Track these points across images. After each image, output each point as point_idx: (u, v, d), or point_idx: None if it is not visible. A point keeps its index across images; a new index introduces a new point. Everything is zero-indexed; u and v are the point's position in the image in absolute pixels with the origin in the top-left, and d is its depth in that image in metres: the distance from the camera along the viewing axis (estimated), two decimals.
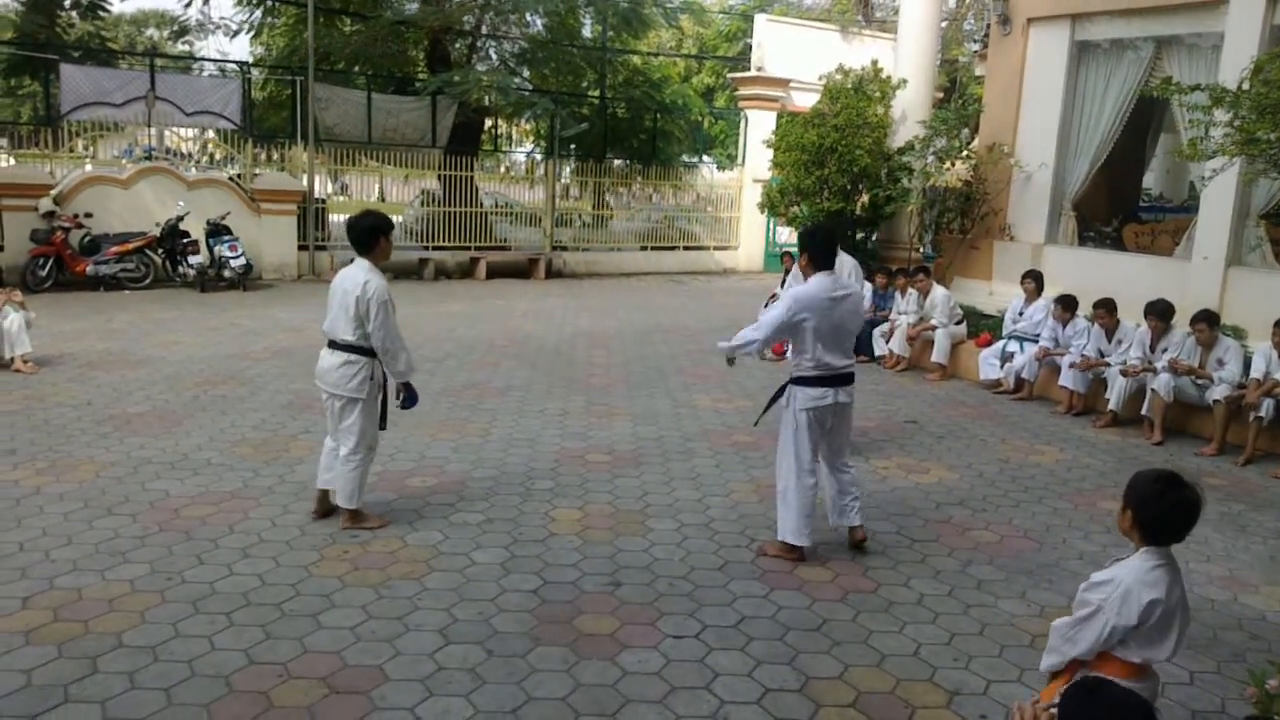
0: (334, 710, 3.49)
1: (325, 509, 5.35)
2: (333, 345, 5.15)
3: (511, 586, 4.59)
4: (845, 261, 6.77)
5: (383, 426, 5.34)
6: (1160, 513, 2.77)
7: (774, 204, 14.52)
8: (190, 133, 16.97)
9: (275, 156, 16.50)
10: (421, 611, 4.29)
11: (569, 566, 4.84)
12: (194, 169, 16.06)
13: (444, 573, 4.71)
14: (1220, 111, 6.04)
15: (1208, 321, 7.67)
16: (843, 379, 4.98)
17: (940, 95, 19.25)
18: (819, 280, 4.96)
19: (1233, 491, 6.56)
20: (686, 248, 19.91)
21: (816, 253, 5.02)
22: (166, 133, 16.06)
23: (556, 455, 6.72)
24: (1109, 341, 8.47)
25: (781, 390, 5.09)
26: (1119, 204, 13.92)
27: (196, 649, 3.87)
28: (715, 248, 20.07)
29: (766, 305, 12.00)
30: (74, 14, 18.99)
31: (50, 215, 12.96)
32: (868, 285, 11.24)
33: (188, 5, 25.03)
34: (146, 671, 3.69)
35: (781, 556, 5.00)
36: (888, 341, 10.47)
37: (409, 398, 5.24)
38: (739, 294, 16.28)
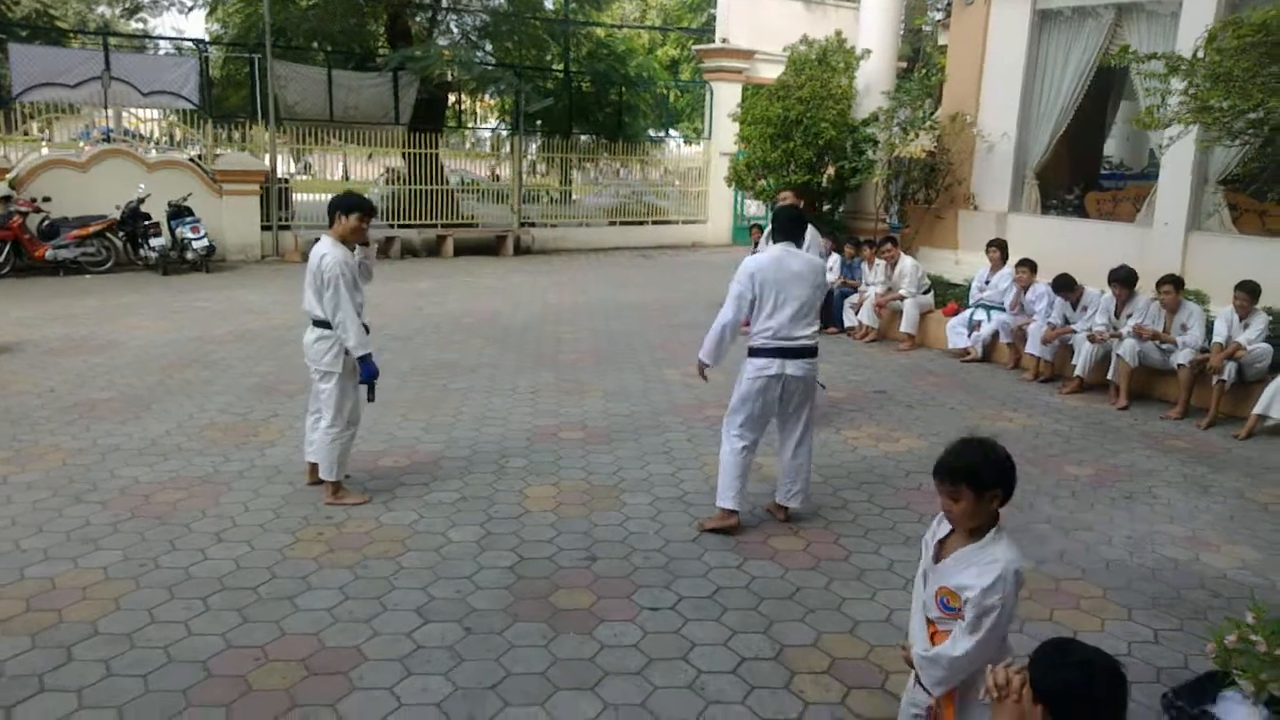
0: (313, 691, 3.49)
1: (316, 478, 5.42)
2: (312, 320, 5.19)
3: (488, 564, 4.60)
4: (807, 232, 6.82)
5: (370, 398, 5.34)
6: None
7: (741, 177, 14.51)
8: (149, 113, 16.65)
9: (236, 136, 16.23)
10: (398, 591, 4.30)
11: (544, 543, 4.87)
12: (154, 150, 15.78)
13: (420, 552, 4.71)
14: (1176, 80, 6.10)
15: (1174, 284, 7.80)
16: (795, 352, 4.91)
17: (904, 65, 19.30)
18: (770, 249, 5.02)
19: (1196, 454, 6.70)
20: (655, 222, 19.89)
21: (779, 230, 5.07)
22: (124, 114, 15.75)
23: (529, 432, 6.72)
24: (1075, 309, 8.59)
25: None
26: (1081, 172, 14.06)
27: (173, 634, 3.86)
28: (684, 222, 20.07)
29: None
30: None
31: (6, 200, 12.70)
32: (836, 256, 11.32)
33: None
34: (123, 659, 3.67)
35: (718, 528, 4.98)
36: (857, 313, 10.55)
37: (364, 372, 5.20)
38: (708, 268, 16.30)
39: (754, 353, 4.95)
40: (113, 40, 18.04)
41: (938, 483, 2.65)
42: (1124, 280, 8.06)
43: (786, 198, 7.08)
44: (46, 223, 12.99)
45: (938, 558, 2.73)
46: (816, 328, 5.04)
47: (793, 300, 4.87)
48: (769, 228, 5.39)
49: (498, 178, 20.43)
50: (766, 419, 5.06)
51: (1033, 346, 8.67)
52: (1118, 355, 7.89)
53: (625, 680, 3.63)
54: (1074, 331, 8.42)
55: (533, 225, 18.42)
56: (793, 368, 4.92)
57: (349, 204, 5.17)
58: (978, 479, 2.57)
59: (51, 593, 4.18)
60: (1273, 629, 3.10)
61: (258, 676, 3.58)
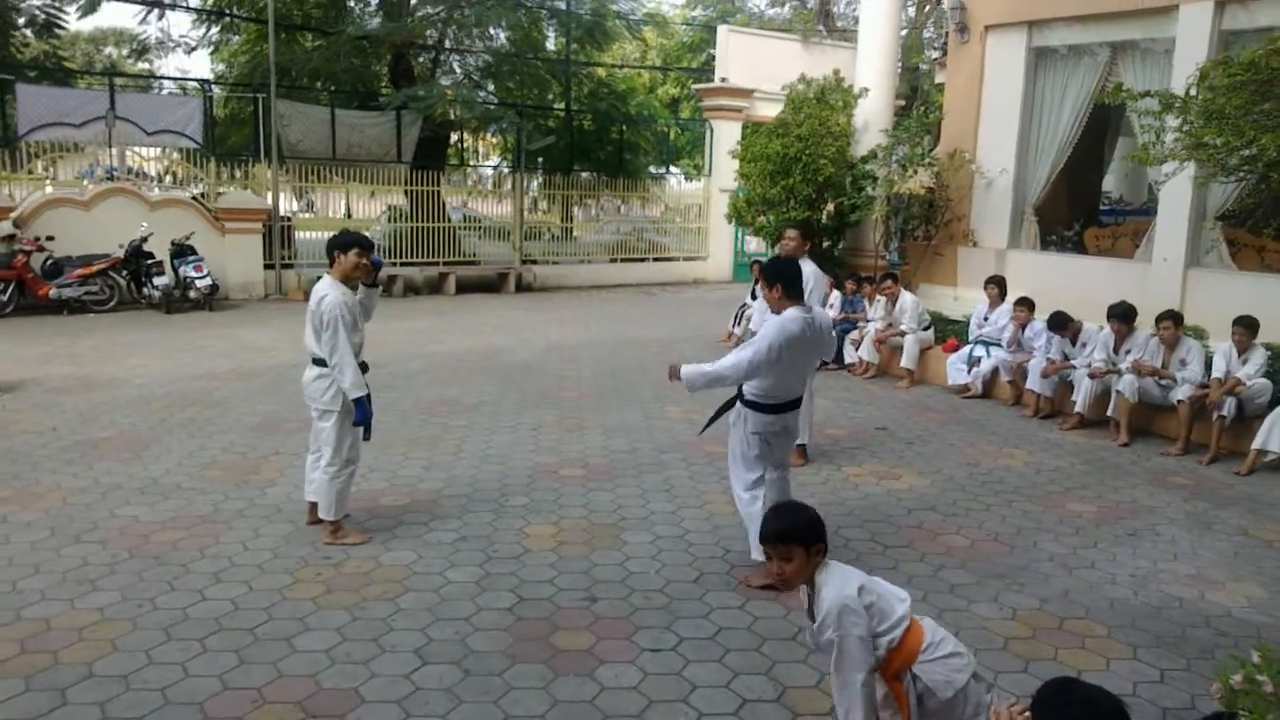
0: None
1: (315, 518, 5.41)
2: (312, 359, 5.21)
3: (487, 605, 4.57)
4: (809, 270, 6.76)
5: (366, 438, 5.35)
6: None
7: (741, 214, 14.60)
8: (152, 152, 16.80)
9: (239, 175, 16.36)
10: (397, 632, 4.27)
11: (544, 583, 4.84)
12: (157, 189, 15.89)
13: (419, 592, 4.68)
14: (1170, 117, 6.17)
15: (1173, 320, 7.82)
16: (795, 404, 4.99)
17: (902, 103, 19.47)
18: (795, 315, 4.76)
19: (1198, 490, 6.68)
20: (656, 259, 19.98)
21: (789, 286, 4.84)
22: (128, 152, 15.90)
23: (529, 470, 6.71)
24: (1074, 345, 8.60)
25: (730, 403, 5.06)
26: (1079, 208, 14.15)
27: (170, 676, 3.82)
28: (684, 258, 20.15)
29: (737, 316, 12.11)
30: (29, 32, 18.76)
31: (10, 239, 12.77)
32: (836, 293, 11.36)
33: (143, 22, 24.84)
34: (118, 701, 3.64)
35: (766, 585, 4.70)
36: (857, 349, 10.56)
37: (360, 415, 5.18)
38: (709, 304, 16.35)
39: (760, 408, 4.87)
40: (118, 80, 18.25)
41: (768, 547, 3.04)
42: (1122, 316, 8.08)
43: (792, 237, 6.78)
44: (50, 262, 13.06)
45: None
46: None
47: (805, 363, 4.98)
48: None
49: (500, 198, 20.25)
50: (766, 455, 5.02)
51: (1033, 382, 8.67)
52: (1117, 391, 7.89)
53: None
54: (1073, 367, 8.43)
55: (534, 262, 18.51)
56: (791, 419, 5.01)
57: (345, 241, 5.20)
58: (803, 537, 2.98)
59: (47, 634, 4.15)
60: (1278, 669, 3.06)
61: (255, 719, 3.55)
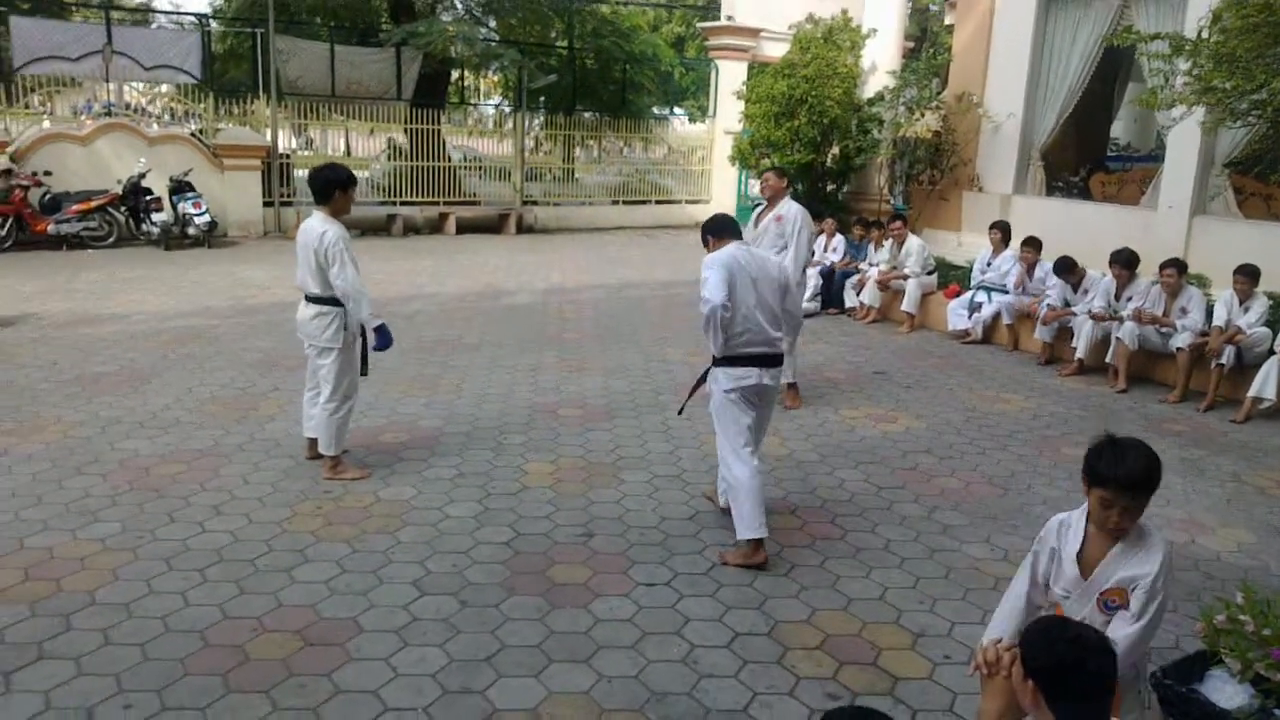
0: (309, 662, 3.52)
1: (315, 453, 5.45)
2: (307, 298, 5.19)
3: (485, 539, 4.63)
4: (794, 210, 6.63)
5: (364, 373, 5.40)
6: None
7: (745, 156, 14.48)
8: (150, 87, 16.59)
9: (237, 111, 16.18)
10: (395, 565, 4.32)
11: (542, 518, 4.89)
12: (155, 124, 15.73)
13: (417, 526, 4.74)
14: (1180, 60, 6.07)
15: (1176, 267, 7.77)
16: (767, 359, 4.53)
17: (910, 45, 19.18)
18: (726, 249, 4.52)
19: (1194, 437, 6.71)
20: (658, 202, 19.81)
21: (716, 235, 4.62)
22: (126, 87, 15.70)
23: (528, 410, 6.74)
24: (1076, 291, 8.57)
25: (705, 375, 4.73)
26: (1087, 153, 14.01)
27: (170, 605, 3.89)
28: (687, 201, 19.98)
29: None
30: None
31: (7, 173, 12.66)
32: (840, 237, 11.30)
33: None
34: (120, 628, 3.70)
35: (744, 564, 4.40)
36: (859, 293, 10.53)
37: (381, 341, 5.25)
38: None
39: (728, 361, 4.48)
40: (115, 14, 17.95)
41: (1116, 493, 2.66)
42: (1124, 262, 8.04)
43: (769, 179, 6.60)
44: (48, 197, 12.97)
45: (1085, 573, 2.79)
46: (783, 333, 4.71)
47: (762, 303, 4.47)
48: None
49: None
50: (755, 427, 4.66)
51: (1040, 331, 8.63)
52: (1117, 338, 7.88)
53: (619, 653, 3.66)
54: (1074, 314, 8.41)
55: (535, 204, 18.37)
56: (768, 377, 4.56)
57: (339, 177, 5.15)
58: (1154, 484, 2.69)
59: (50, 562, 4.21)
60: (1260, 609, 3.11)
61: (255, 647, 3.61)
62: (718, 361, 4.53)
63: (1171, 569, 2.71)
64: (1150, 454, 2.71)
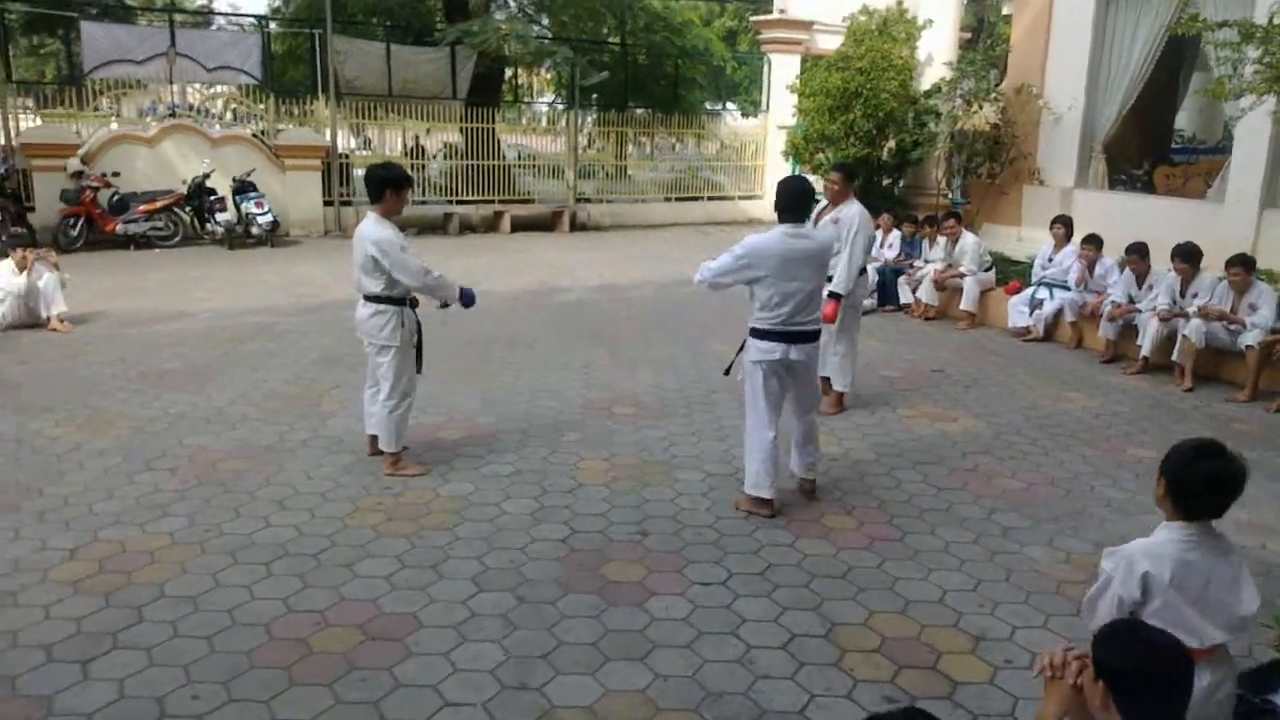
0: (371, 655, 3.59)
1: (376, 450, 5.53)
2: (365, 297, 5.27)
3: (541, 535, 4.67)
4: (853, 211, 6.51)
5: (418, 370, 5.47)
6: (1192, 482, 2.63)
7: (799, 151, 14.37)
8: (213, 88, 16.95)
9: (297, 111, 16.47)
10: (454, 560, 4.38)
11: (597, 516, 4.92)
12: (218, 125, 16.08)
13: (475, 522, 4.79)
14: (1250, 48, 5.89)
15: (1243, 265, 7.55)
16: (797, 336, 4.78)
17: (967, 36, 18.85)
18: (777, 231, 4.79)
19: (1263, 438, 6.52)
20: (711, 198, 19.74)
21: (782, 203, 4.85)
22: (189, 89, 16.06)
23: (582, 407, 6.77)
24: (1139, 287, 8.38)
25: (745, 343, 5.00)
26: (1150, 146, 13.66)
27: (236, 598, 3.98)
28: (740, 197, 19.87)
29: None
30: None
31: (78, 175, 13.05)
32: (896, 233, 11.17)
33: None
34: (188, 620, 3.81)
35: (753, 511, 4.91)
36: (914, 290, 10.40)
37: (467, 296, 5.46)
38: None
39: (756, 334, 4.81)
40: (178, 17, 18.39)
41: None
42: (1186, 257, 7.84)
43: (835, 180, 6.58)
44: (116, 197, 13.32)
45: None
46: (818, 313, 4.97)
47: (799, 291, 4.73)
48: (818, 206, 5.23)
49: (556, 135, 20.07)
50: (783, 398, 4.96)
51: (1104, 328, 8.45)
52: (1183, 335, 7.68)
53: (675, 653, 3.67)
54: (1139, 310, 8.22)
55: (588, 201, 18.42)
56: (796, 353, 4.81)
57: (391, 177, 5.23)
58: (1163, 466, 2.77)
59: (121, 555, 4.34)
60: None
61: (318, 640, 3.69)
62: (751, 332, 4.84)
63: (1128, 568, 2.67)
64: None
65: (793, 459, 5.21)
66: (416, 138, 18.25)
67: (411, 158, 17.30)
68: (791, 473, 5.24)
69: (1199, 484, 2.64)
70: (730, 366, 5.35)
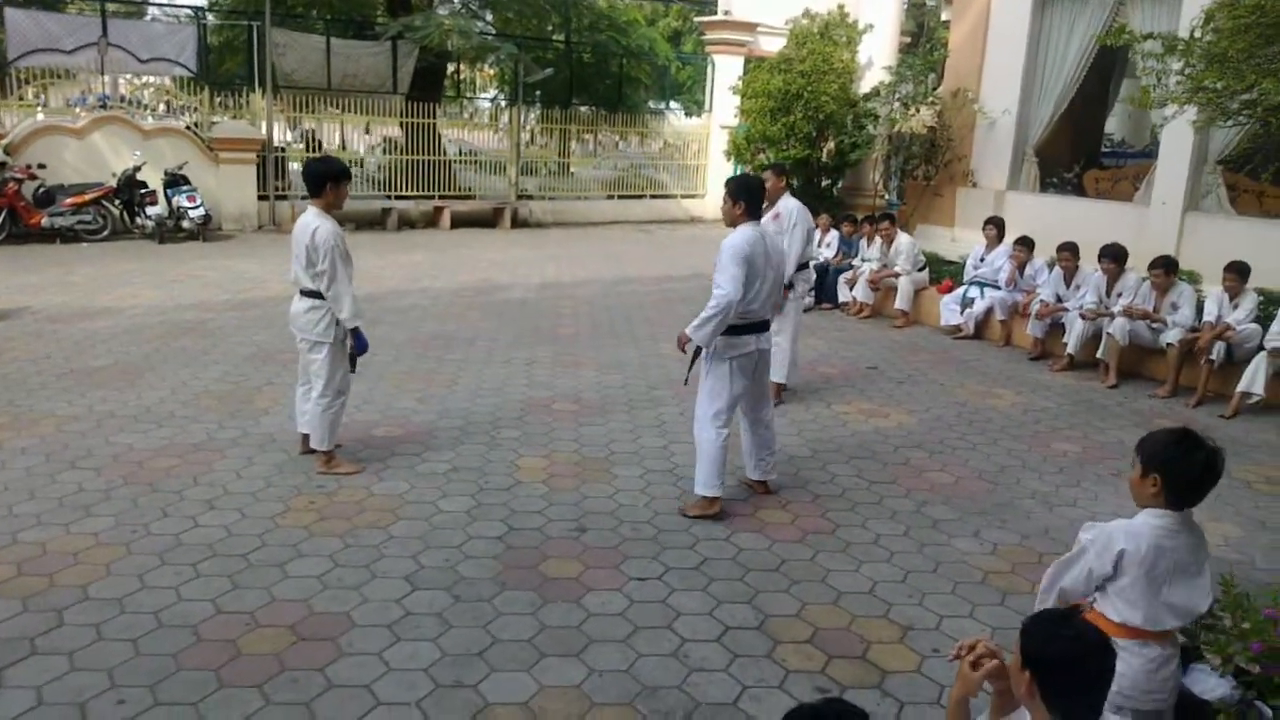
0: (302, 656, 3.55)
1: (308, 448, 5.44)
2: (300, 292, 5.19)
3: (478, 534, 4.65)
4: (791, 205, 6.84)
5: (352, 369, 5.38)
6: (1189, 473, 2.72)
7: (741, 151, 14.49)
8: (146, 80, 16.53)
9: (232, 104, 16.14)
10: (388, 559, 4.34)
11: (535, 513, 4.91)
12: (151, 117, 15.69)
13: (410, 521, 4.76)
14: (1173, 60, 6.08)
15: (1165, 267, 7.81)
16: (762, 325, 5.00)
17: (908, 40, 19.19)
18: (745, 233, 4.84)
19: None
20: (653, 196, 19.81)
21: (752, 202, 4.94)
22: (121, 80, 15.64)
23: (523, 404, 6.76)
24: (1068, 286, 8.61)
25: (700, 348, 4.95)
26: (1081, 150, 14.01)
27: (163, 600, 3.91)
28: (682, 196, 19.99)
29: None
30: None
31: (1, 166, 12.65)
32: (834, 233, 11.32)
33: None
34: (113, 623, 3.72)
35: (702, 514, 4.90)
36: (851, 288, 10.56)
37: (356, 344, 5.24)
38: (706, 242, 16.25)
39: (732, 330, 4.84)
40: (110, 6, 17.88)
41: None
42: (1114, 257, 8.08)
43: (768, 178, 6.65)
44: (42, 190, 12.94)
45: None
46: None
47: (769, 281, 4.95)
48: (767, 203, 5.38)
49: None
50: (742, 398, 5.02)
51: (1032, 326, 8.68)
52: (1108, 333, 7.92)
53: (611, 647, 3.69)
54: (1066, 309, 8.45)
55: (530, 198, 18.35)
56: (763, 341, 5.03)
57: (331, 171, 5.15)
58: (1149, 459, 2.84)
59: (43, 558, 4.23)
60: (1238, 604, 3.15)
61: (247, 641, 3.63)
62: (725, 330, 4.86)
63: (1106, 542, 2.79)
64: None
65: (749, 465, 5.25)
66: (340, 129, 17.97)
67: (342, 150, 17.06)
68: (745, 478, 5.31)
69: (1195, 474, 2.73)
70: (688, 377, 5.35)
